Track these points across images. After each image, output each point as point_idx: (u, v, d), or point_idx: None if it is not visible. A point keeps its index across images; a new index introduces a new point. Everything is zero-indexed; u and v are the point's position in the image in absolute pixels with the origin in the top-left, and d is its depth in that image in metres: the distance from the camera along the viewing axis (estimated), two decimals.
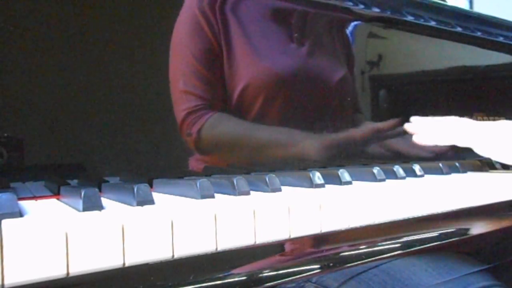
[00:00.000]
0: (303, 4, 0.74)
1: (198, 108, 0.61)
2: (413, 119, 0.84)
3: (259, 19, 0.70)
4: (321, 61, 0.76)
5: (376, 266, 0.64)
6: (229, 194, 0.48)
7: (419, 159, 0.86)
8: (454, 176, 0.73)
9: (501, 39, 1.06)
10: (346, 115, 0.80)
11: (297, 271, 0.42)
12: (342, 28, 0.81)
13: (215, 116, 0.62)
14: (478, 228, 0.61)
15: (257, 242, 0.40)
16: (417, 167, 0.70)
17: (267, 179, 0.51)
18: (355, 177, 0.62)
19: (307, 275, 0.42)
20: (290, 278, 0.41)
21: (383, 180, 0.61)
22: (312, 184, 0.54)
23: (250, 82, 0.66)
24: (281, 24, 0.72)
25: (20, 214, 0.35)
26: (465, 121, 0.80)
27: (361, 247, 0.47)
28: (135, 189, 0.40)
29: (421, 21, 0.91)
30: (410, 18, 0.89)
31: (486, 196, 0.62)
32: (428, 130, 0.80)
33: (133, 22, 0.60)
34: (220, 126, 0.63)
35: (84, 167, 0.55)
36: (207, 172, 0.64)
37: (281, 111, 0.70)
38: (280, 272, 0.41)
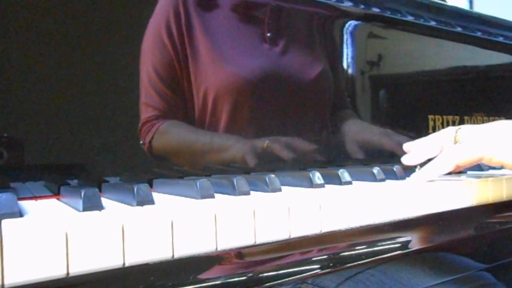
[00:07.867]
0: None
1: (151, 118, 0.60)
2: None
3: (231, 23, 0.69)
4: (297, 61, 0.75)
5: (374, 266, 0.64)
6: (229, 194, 0.48)
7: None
8: (454, 175, 0.73)
9: (501, 39, 1.06)
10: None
11: (298, 271, 0.42)
12: (341, 29, 0.81)
13: (165, 124, 0.61)
14: (479, 227, 0.61)
15: (257, 242, 0.40)
16: (417, 167, 0.70)
17: (267, 179, 0.51)
18: (355, 177, 0.62)
19: (307, 275, 0.42)
20: (290, 278, 0.41)
21: (383, 180, 0.61)
22: (312, 184, 0.54)
23: (219, 90, 0.65)
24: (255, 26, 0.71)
25: (20, 214, 0.35)
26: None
27: (361, 247, 0.47)
28: (135, 189, 0.40)
29: (421, 21, 0.91)
30: (410, 18, 0.89)
31: (487, 195, 0.62)
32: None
33: (136, 21, 0.60)
34: (171, 133, 0.62)
35: (84, 167, 0.55)
36: (207, 172, 0.64)
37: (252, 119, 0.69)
38: (280, 272, 0.41)
